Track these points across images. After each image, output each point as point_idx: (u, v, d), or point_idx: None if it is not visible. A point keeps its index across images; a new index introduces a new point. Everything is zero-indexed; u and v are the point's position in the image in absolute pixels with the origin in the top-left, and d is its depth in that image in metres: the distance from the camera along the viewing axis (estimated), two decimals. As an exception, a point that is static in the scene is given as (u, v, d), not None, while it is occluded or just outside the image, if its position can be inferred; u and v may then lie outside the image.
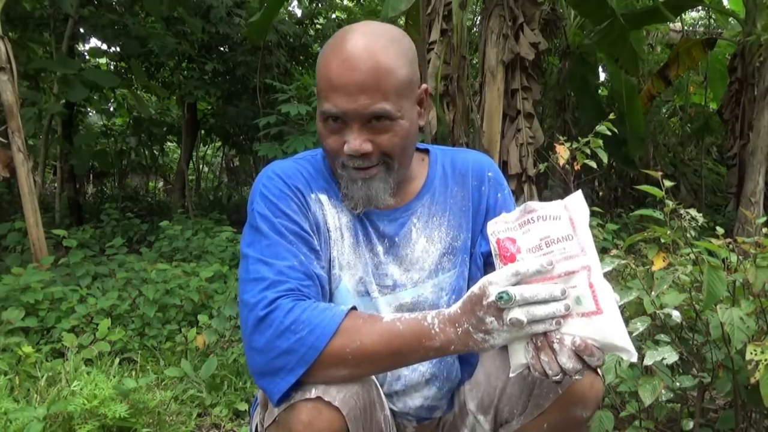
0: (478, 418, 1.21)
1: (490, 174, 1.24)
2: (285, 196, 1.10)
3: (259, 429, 1.12)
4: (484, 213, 1.22)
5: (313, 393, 0.93)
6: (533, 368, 0.91)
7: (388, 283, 1.17)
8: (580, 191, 0.98)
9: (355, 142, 1.04)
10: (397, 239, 1.17)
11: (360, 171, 1.08)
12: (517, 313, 0.87)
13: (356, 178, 1.09)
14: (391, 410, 1.19)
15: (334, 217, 1.15)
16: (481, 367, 1.24)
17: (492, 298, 0.88)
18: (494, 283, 0.89)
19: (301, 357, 0.93)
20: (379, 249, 1.17)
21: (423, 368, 1.19)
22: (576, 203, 0.95)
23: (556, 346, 0.89)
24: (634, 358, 0.91)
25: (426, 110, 1.16)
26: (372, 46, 1.04)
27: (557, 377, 0.89)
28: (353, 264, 1.15)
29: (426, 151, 1.27)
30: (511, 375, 0.97)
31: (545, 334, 0.90)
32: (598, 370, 1.11)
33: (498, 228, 0.99)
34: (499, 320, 0.89)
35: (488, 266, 1.21)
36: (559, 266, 0.92)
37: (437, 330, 0.94)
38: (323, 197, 1.15)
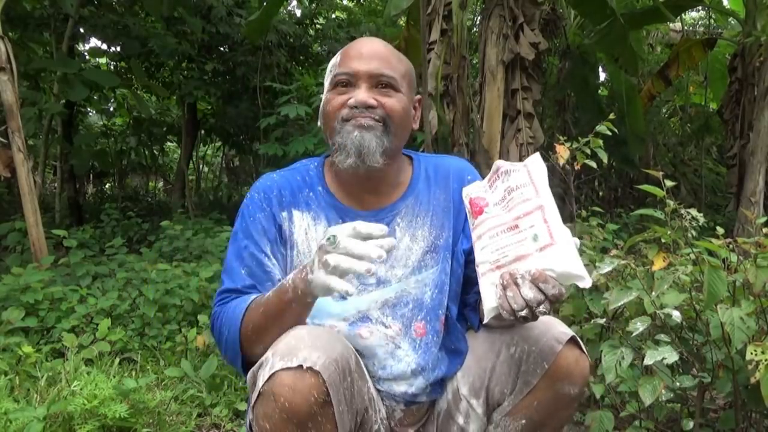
0: (471, 402, 1.25)
1: (469, 177, 1.34)
2: (256, 221, 1.25)
3: (250, 415, 1.14)
4: (464, 213, 1.28)
5: (294, 362, 0.99)
6: (502, 308, 1.01)
7: (372, 281, 1.24)
8: (537, 153, 1.13)
9: (363, 94, 1.19)
10: None
11: (359, 118, 1.18)
12: (331, 258, 0.97)
13: (353, 127, 1.18)
14: (378, 390, 1.24)
15: (311, 229, 1.25)
16: (471, 353, 1.29)
17: (323, 240, 0.99)
18: (333, 230, 0.99)
19: (234, 351, 1.15)
20: None
21: (409, 359, 1.24)
22: (534, 162, 1.12)
23: (519, 280, 0.99)
24: (588, 284, 1.00)
25: (417, 118, 1.32)
26: (384, 43, 1.28)
27: (523, 312, 0.98)
28: None
29: (410, 157, 1.37)
30: (484, 321, 1.07)
31: (510, 273, 1.00)
32: (583, 347, 1.18)
33: (471, 190, 1.20)
34: (319, 261, 1.00)
35: (469, 263, 1.28)
36: (518, 208, 1.06)
37: (291, 283, 1.05)
38: (298, 213, 1.26)
